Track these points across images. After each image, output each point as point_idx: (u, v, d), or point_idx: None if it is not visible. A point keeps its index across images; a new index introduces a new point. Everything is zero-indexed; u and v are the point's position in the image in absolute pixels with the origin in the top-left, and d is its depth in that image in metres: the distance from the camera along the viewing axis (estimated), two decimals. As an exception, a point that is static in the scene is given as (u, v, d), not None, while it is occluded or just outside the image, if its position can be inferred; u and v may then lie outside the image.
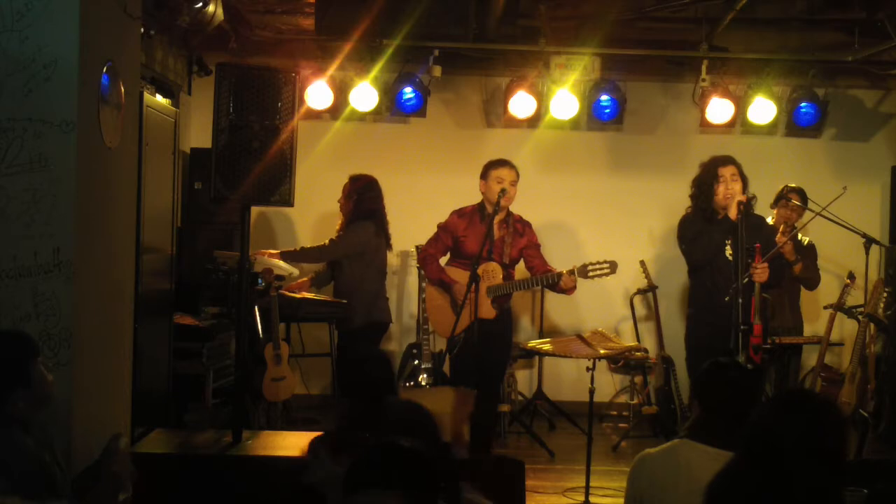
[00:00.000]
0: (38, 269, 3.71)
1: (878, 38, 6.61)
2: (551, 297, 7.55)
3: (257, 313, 5.98)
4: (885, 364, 6.94)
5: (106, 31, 4.08)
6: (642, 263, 7.35)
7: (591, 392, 5.25)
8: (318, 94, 7.25)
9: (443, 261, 6.02)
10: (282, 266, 6.31)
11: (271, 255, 6.40)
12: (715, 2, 6.38)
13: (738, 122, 7.54)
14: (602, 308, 7.81)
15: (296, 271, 6.53)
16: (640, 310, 7.60)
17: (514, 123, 7.69)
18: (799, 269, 6.46)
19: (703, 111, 7.36)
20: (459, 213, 5.95)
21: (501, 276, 5.78)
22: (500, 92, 7.75)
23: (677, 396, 6.86)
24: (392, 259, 7.02)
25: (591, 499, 5.25)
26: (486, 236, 5.58)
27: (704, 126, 7.57)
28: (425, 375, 6.95)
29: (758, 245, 5.17)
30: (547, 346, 5.63)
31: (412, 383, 6.96)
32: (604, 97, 7.31)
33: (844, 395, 6.00)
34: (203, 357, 5.79)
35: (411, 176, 7.70)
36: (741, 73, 7.42)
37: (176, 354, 5.65)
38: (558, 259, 5.89)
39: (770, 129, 7.67)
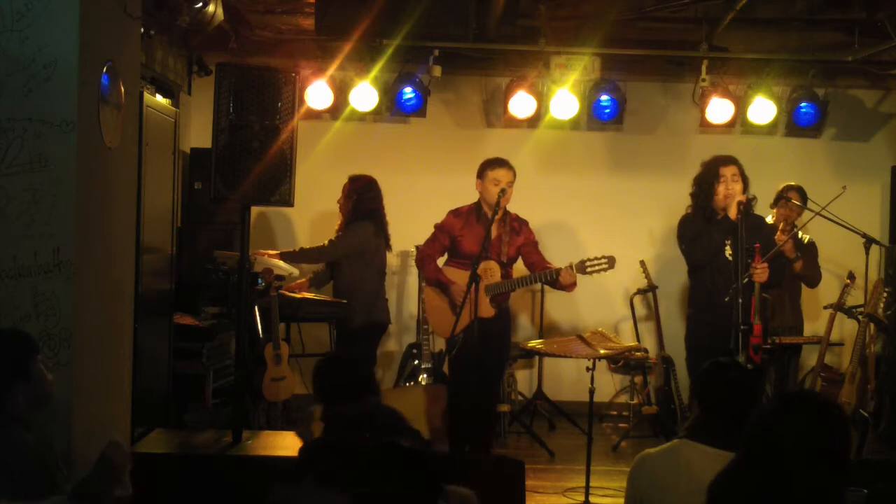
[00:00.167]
0: (38, 269, 3.71)
1: (878, 38, 6.61)
2: (551, 297, 7.56)
3: (257, 313, 5.98)
4: (885, 364, 6.94)
5: (106, 31, 4.08)
6: (642, 263, 7.35)
7: (591, 392, 5.25)
8: (318, 94, 7.25)
9: (441, 261, 6.01)
10: (282, 266, 6.30)
11: (271, 256, 6.40)
12: (715, 2, 6.38)
13: (738, 122, 7.54)
14: (602, 308, 7.82)
15: (296, 271, 6.53)
16: (640, 310, 7.60)
17: (514, 123, 7.69)
18: (799, 266, 6.47)
19: (703, 111, 7.36)
20: (456, 213, 5.94)
21: (500, 275, 5.77)
22: (500, 92, 7.75)
23: (677, 396, 6.86)
24: (392, 259, 7.02)
25: (591, 499, 5.24)
26: (485, 238, 5.57)
27: (704, 126, 7.57)
28: (425, 375, 6.95)
29: (758, 245, 5.17)
30: (547, 347, 5.63)
31: (412, 383, 6.96)
32: (604, 97, 7.31)
33: (844, 395, 6.00)
34: (203, 357, 5.80)
35: (411, 176, 7.70)
36: (741, 73, 7.42)
37: (176, 354, 5.66)
38: (559, 259, 5.87)
39: (770, 129, 7.67)
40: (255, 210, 5.37)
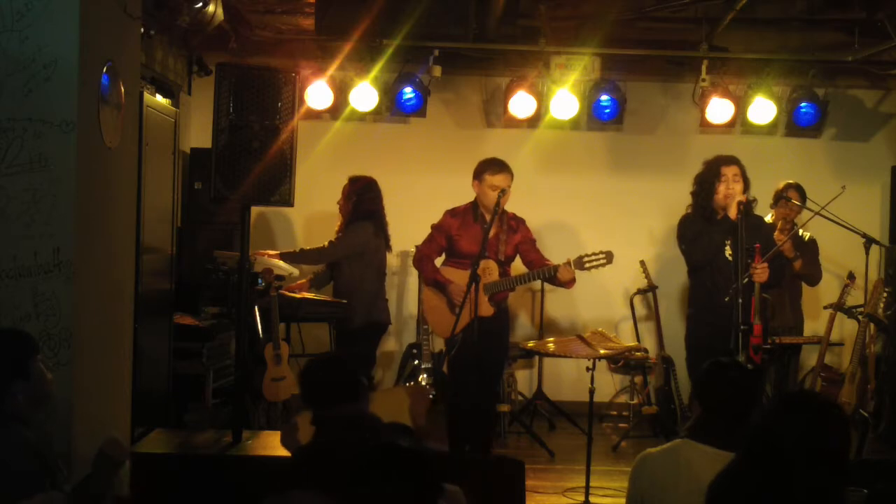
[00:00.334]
0: (38, 269, 3.71)
1: (878, 38, 6.61)
2: (551, 297, 7.56)
3: (257, 313, 5.98)
4: (885, 364, 6.94)
5: (106, 31, 4.08)
6: (642, 263, 7.35)
7: (591, 392, 5.25)
8: (318, 94, 7.25)
9: (439, 261, 6.01)
10: (282, 266, 6.30)
11: (271, 256, 6.40)
12: (715, 2, 6.37)
13: (738, 122, 7.54)
14: (602, 308, 7.82)
15: (296, 271, 6.53)
16: (640, 310, 7.60)
17: (514, 123, 7.69)
18: (799, 265, 6.47)
19: (703, 111, 7.36)
20: (452, 213, 5.94)
21: (498, 274, 5.77)
22: (500, 92, 7.75)
23: (677, 396, 6.86)
24: (392, 259, 7.02)
25: (591, 499, 5.24)
26: (483, 241, 5.55)
27: (704, 126, 7.57)
28: (425, 375, 6.95)
29: (757, 245, 5.17)
30: (547, 347, 5.63)
31: (412, 383, 6.96)
32: (604, 97, 7.31)
33: (844, 395, 6.00)
34: (203, 357, 5.80)
35: (411, 176, 7.70)
36: (741, 73, 7.42)
37: (176, 354, 5.66)
38: (558, 259, 5.87)
39: (770, 129, 7.67)
40: (254, 210, 5.37)
